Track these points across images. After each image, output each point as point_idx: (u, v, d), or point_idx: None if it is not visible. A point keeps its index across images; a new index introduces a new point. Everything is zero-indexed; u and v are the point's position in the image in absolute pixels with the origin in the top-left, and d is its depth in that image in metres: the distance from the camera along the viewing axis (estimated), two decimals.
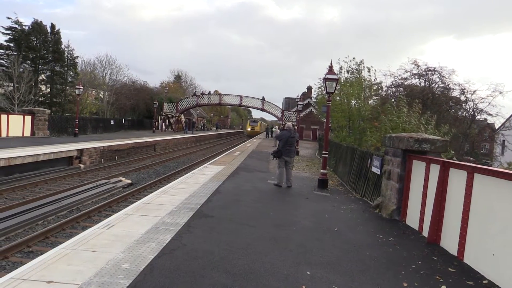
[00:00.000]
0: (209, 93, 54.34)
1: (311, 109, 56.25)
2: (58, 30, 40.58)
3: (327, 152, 13.34)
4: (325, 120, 15.89)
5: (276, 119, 52.12)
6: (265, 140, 43.97)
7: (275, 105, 48.49)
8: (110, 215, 8.44)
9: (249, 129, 78.45)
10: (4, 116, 23.51)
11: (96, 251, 5.10)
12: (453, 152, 13.51)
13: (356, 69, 22.71)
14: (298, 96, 40.90)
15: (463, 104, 27.14)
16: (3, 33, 37.03)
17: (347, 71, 23.02)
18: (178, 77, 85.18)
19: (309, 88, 56.28)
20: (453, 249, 5.99)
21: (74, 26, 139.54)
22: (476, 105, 26.82)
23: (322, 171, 12.87)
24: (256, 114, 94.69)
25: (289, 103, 65.83)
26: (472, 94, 26.31)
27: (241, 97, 47.76)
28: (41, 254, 5.64)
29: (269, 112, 47.55)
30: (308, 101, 55.44)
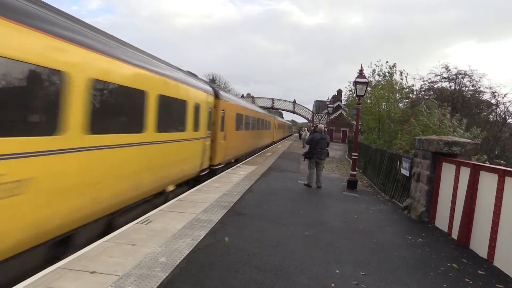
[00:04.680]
0: (243, 96, 54.98)
1: (341, 112, 55.78)
2: None
3: (356, 154, 13.39)
4: (355, 123, 15.89)
5: (306, 121, 51.91)
6: (295, 142, 43.86)
7: (306, 108, 48.40)
8: (148, 211, 8.81)
9: None
10: None
11: (135, 244, 5.31)
12: (485, 156, 13.20)
13: (389, 72, 22.71)
14: (328, 99, 40.84)
15: (494, 107, 26.43)
16: None
17: (378, 74, 23.11)
18: (212, 81, 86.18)
19: (339, 91, 55.82)
20: (483, 252, 5.96)
21: (113, 33, 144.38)
22: (508, 108, 26.08)
23: (351, 172, 12.91)
24: (287, 116, 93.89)
25: (319, 105, 65.36)
26: (503, 98, 25.67)
27: (273, 100, 48.04)
28: (85, 246, 5.95)
29: (300, 115, 47.56)
30: (338, 104, 54.91)
